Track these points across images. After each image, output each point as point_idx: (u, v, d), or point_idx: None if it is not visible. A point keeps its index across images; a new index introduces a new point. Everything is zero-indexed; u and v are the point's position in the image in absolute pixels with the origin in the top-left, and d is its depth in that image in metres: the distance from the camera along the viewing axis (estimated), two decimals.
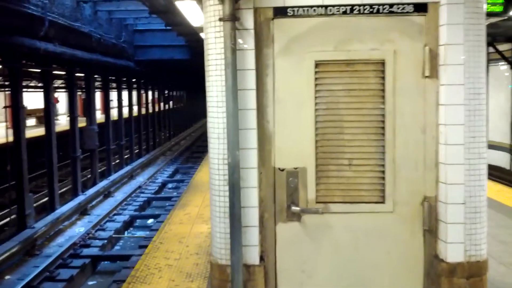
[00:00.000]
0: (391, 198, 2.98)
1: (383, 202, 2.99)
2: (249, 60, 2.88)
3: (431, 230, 2.99)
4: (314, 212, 2.96)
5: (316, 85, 2.95)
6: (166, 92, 32.37)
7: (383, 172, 2.97)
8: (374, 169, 2.98)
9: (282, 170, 3.00)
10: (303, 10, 2.92)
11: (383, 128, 2.95)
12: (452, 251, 2.89)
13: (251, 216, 2.92)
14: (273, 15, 2.93)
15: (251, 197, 2.91)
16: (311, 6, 2.91)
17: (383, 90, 2.94)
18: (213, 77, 2.89)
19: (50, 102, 13.17)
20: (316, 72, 2.94)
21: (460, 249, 2.90)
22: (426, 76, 2.94)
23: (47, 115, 13.11)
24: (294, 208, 2.96)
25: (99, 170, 17.34)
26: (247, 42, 2.88)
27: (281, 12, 2.93)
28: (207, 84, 2.94)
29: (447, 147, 2.89)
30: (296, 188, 2.98)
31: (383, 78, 2.93)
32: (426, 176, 2.98)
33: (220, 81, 2.86)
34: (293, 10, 2.92)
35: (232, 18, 2.74)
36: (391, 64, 2.92)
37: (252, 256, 2.93)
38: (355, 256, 3.01)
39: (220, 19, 2.78)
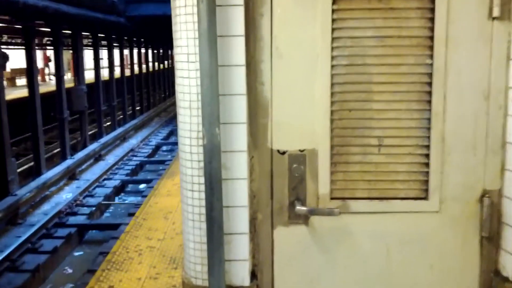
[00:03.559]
0: (437, 193, 2.11)
1: (425, 199, 2.12)
2: None
3: (491, 237, 2.14)
4: (327, 213, 2.08)
5: (333, 30, 2.03)
6: (161, 50, 31.40)
7: (427, 156, 2.09)
8: (415, 151, 2.10)
9: (283, 153, 2.11)
10: None
11: (429, 93, 2.05)
12: None
13: (238, 219, 2.04)
14: None
15: (238, 193, 2.03)
16: None
17: (431, 38, 2.02)
18: (181, 17, 1.94)
19: (32, 60, 12.36)
20: (334, 11, 2.01)
21: None
22: (494, 17, 2.01)
23: (29, 75, 12.41)
24: (299, 207, 2.09)
25: (91, 132, 16.78)
26: None
27: None
28: (174, 29, 2.01)
29: None
30: (303, 179, 2.10)
31: (432, 19, 2.01)
32: (487, 162, 2.10)
33: (192, 22, 1.92)
34: None
35: None
36: None
37: (240, 274, 2.07)
38: (385, 272, 2.17)
39: None
